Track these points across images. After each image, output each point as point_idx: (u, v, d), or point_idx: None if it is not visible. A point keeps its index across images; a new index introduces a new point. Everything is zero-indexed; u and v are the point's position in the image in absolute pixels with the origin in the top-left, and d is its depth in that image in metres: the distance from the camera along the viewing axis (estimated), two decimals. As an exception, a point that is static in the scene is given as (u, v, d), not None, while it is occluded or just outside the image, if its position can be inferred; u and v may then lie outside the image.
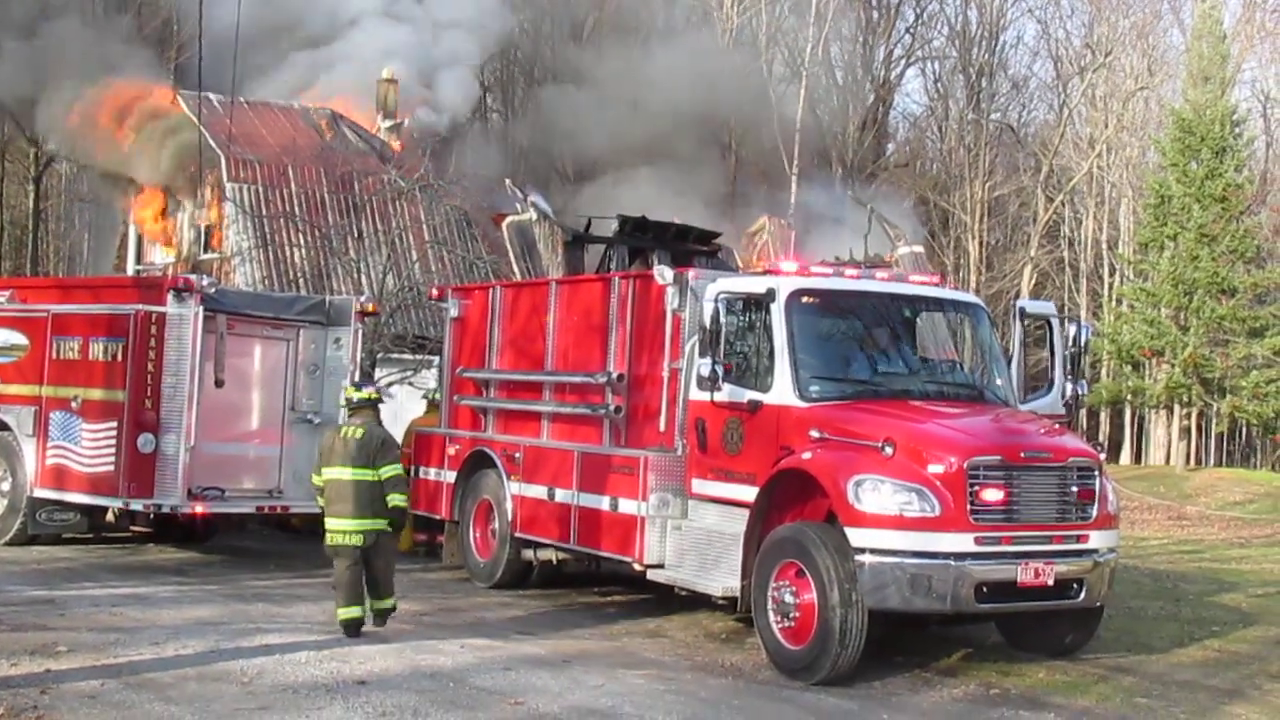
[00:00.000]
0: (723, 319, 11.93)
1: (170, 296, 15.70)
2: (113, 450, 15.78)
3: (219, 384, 16.01)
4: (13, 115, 40.49)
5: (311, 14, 39.97)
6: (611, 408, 13.89)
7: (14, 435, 16.98)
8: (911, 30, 58.96)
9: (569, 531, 14.13)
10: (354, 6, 40.34)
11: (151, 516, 17.08)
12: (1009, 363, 13.44)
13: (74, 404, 16.30)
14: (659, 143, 41.69)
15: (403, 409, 21.20)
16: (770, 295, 12.06)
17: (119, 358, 15.90)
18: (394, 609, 12.47)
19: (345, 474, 12.09)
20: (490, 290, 16.61)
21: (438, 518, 16.41)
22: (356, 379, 16.33)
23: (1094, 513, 11.35)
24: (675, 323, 13.05)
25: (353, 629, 11.99)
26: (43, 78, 35.99)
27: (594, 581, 15.49)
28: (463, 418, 16.49)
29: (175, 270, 32.67)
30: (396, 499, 12.24)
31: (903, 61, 59.57)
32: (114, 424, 15.81)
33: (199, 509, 16.07)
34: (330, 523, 12.18)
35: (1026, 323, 13.98)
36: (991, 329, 13.37)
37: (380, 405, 12.99)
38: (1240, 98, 49.09)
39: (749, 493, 11.84)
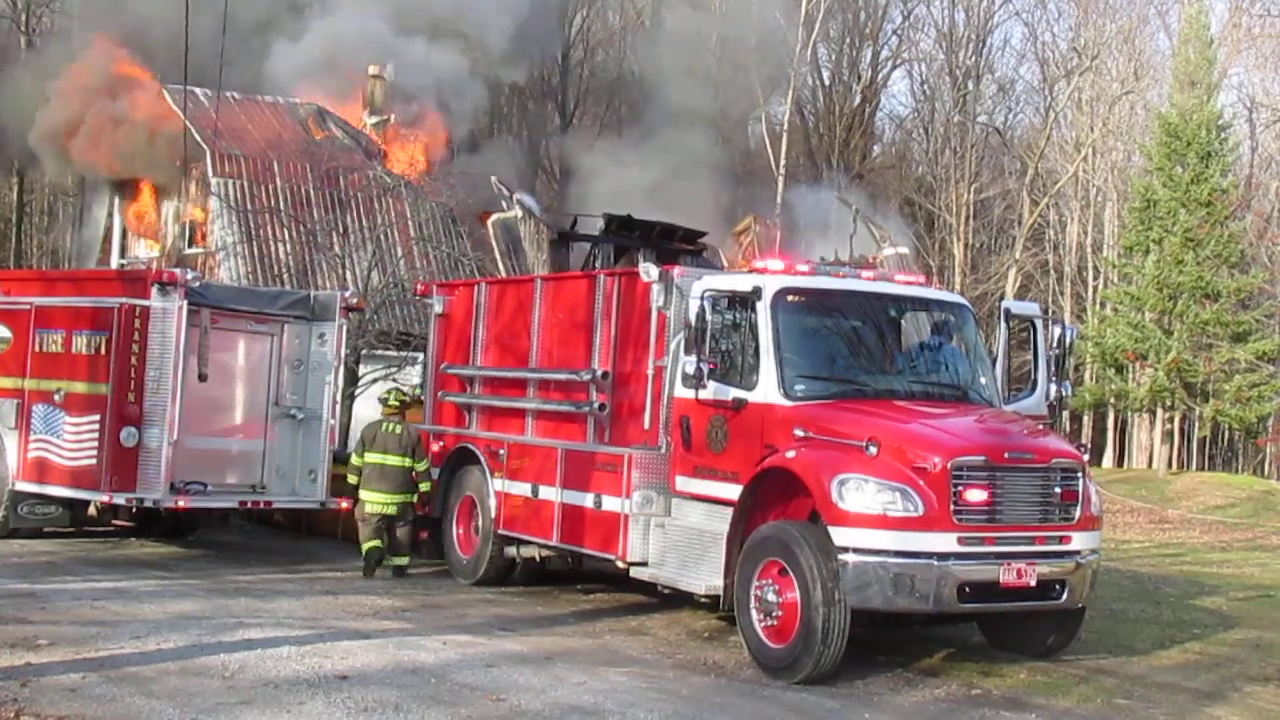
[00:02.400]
0: (708, 317, 11.86)
1: (154, 290, 15.64)
2: (95, 444, 15.71)
3: (202, 378, 15.93)
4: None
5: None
6: (596, 405, 13.86)
7: (-4, 428, 16.89)
8: (899, 32, 59.24)
9: (552, 528, 14.12)
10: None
11: (134, 511, 17.05)
12: (993, 363, 13.44)
13: (57, 397, 16.21)
14: (647, 141, 41.71)
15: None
16: (756, 293, 12.04)
17: (102, 351, 15.82)
18: (407, 566, 15.63)
19: (392, 460, 15.51)
20: (476, 287, 16.57)
21: (420, 514, 16.36)
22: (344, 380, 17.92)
23: (1077, 514, 11.36)
24: (660, 320, 13.02)
25: (374, 556, 15.40)
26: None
27: (577, 579, 15.47)
28: (447, 414, 16.46)
29: (160, 264, 32.56)
30: (425, 485, 15.74)
31: (890, 63, 59.80)
32: (97, 417, 15.73)
33: (181, 503, 16.02)
34: (371, 495, 15.49)
35: (1011, 324, 14.00)
36: (977, 329, 13.37)
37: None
38: (1226, 102, 49.18)
39: (733, 491, 11.83)
